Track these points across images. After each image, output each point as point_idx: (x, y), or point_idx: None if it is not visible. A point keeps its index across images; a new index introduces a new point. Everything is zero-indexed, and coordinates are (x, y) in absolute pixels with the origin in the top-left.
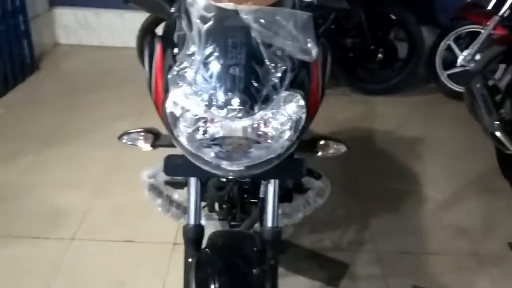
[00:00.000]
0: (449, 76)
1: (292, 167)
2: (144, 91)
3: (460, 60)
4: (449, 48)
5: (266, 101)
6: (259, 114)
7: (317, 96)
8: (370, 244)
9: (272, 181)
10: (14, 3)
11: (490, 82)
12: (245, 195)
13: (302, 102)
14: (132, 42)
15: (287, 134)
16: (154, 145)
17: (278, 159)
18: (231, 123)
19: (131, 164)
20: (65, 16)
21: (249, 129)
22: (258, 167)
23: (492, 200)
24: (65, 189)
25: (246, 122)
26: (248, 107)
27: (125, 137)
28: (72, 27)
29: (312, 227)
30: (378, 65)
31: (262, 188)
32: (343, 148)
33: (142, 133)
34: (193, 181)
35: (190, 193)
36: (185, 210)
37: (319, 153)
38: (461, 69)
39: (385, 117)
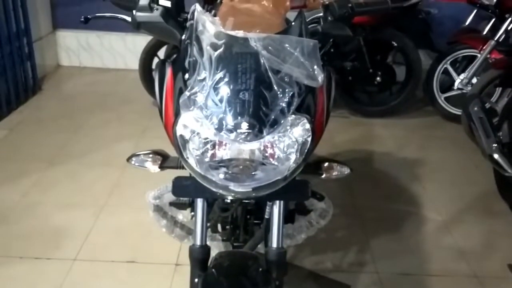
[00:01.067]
0: (446, 99)
1: (297, 188)
2: (145, 111)
3: (457, 83)
4: (446, 71)
5: (274, 124)
6: (267, 137)
7: (322, 119)
8: (371, 266)
9: (278, 202)
10: (18, 26)
11: (487, 105)
12: (249, 216)
13: (308, 126)
14: (133, 64)
15: (293, 156)
16: (162, 167)
17: (284, 181)
18: (239, 145)
19: (133, 184)
20: (67, 38)
21: (257, 152)
22: (265, 188)
23: (491, 222)
24: (67, 209)
25: (254, 145)
26: (257, 131)
27: (134, 159)
28: (74, 49)
29: (314, 248)
30: (376, 88)
31: (267, 209)
32: (346, 171)
33: (151, 155)
34: (200, 202)
35: (197, 214)
36: (189, 231)
37: (324, 175)
38: (458, 92)
39: (384, 139)
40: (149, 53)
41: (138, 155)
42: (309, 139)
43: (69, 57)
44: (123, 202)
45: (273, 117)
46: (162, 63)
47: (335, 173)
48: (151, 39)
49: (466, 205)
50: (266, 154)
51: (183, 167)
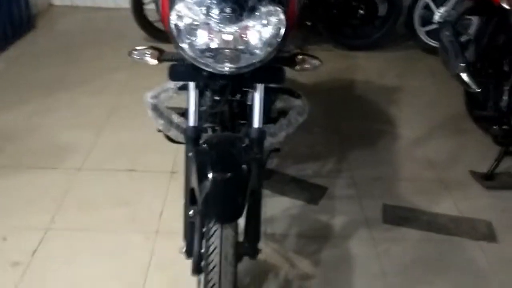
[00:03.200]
0: (427, 33)
1: (274, 73)
2: (138, 45)
3: (436, 17)
4: (427, 6)
5: (253, 10)
6: (246, 22)
7: (294, 13)
8: (347, 173)
9: (258, 87)
10: None
11: (464, 38)
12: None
13: (282, 16)
14: (124, 2)
15: (269, 42)
16: (160, 60)
17: (261, 62)
18: (223, 35)
19: (129, 108)
20: None
21: (238, 39)
22: (246, 67)
23: (458, 138)
24: (69, 130)
25: (236, 32)
26: (238, 14)
27: (135, 52)
28: None
29: (295, 158)
30: (359, 21)
31: (249, 96)
32: (317, 63)
33: (149, 50)
34: (192, 86)
35: (190, 97)
36: (183, 131)
37: (297, 67)
38: (437, 26)
39: (366, 69)
40: None
41: (138, 50)
42: (283, 28)
43: None
44: (121, 122)
45: (251, 3)
46: None
47: (307, 65)
48: None
49: (438, 124)
50: (246, 39)
51: (178, 60)
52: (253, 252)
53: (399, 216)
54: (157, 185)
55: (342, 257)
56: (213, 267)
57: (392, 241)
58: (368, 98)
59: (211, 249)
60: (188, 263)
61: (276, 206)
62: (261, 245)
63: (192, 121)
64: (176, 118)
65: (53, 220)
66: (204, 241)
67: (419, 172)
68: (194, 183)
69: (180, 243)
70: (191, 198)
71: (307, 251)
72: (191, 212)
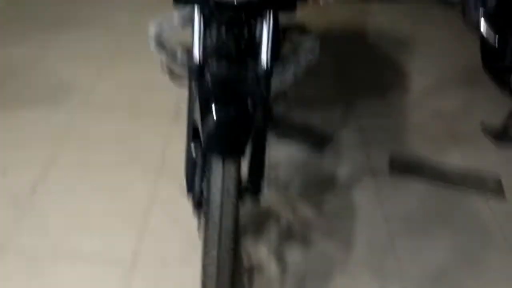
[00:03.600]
0: None
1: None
2: None
3: None
4: None
5: None
6: None
7: None
8: (354, 120)
9: (268, 15)
10: None
11: None
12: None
13: None
14: None
15: None
16: None
17: None
18: None
19: (133, 47)
20: None
21: None
22: None
23: (471, 91)
24: (71, 67)
25: None
26: None
27: None
28: None
29: (302, 105)
30: None
31: (258, 26)
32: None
33: None
34: (197, 10)
35: (194, 25)
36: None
37: (310, 0)
38: None
39: (379, 18)
40: None
41: None
42: None
43: None
44: (124, 62)
45: None
46: None
47: (320, 0)
48: None
49: (451, 76)
50: None
51: None
52: (256, 189)
53: (405, 166)
54: (160, 126)
55: (345, 204)
56: (214, 203)
57: (397, 190)
58: (379, 47)
59: (212, 184)
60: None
61: (280, 152)
62: (264, 189)
63: (196, 51)
64: (180, 54)
65: (54, 156)
66: (205, 178)
67: (428, 122)
68: (196, 116)
69: (182, 181)
70: (193, 134)
71: (310, 198)
72: (192, 148)
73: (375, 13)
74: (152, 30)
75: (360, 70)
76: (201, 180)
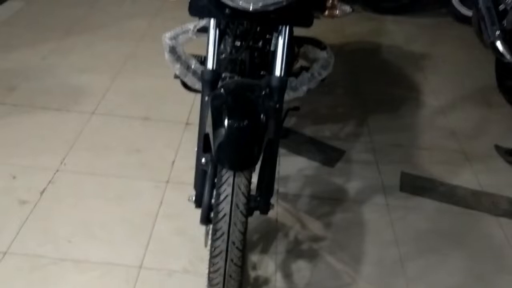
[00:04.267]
0: (461, 0)
1: (302, 15)
2: None
3: None
4: None
5: None
6: None
7: None
8: (367, 137)
9: (283, 31)
10: None
11: (501, 6)
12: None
13: None
14: None
15: None
16: None
17: (288, 0)
18: None
19: (147, 56)
20: None
21: None
22: (273, 5)
23: (485, 111)
24: (84, 72)
25: None
26: None
27: None
28: None
29: (314, 119)
30: None
31: (273, 41)
32: (349, 9)
33: None
34: (213, 24)
35: (209, 37)
36: (199, 78)
37: (326, 12)
38: None
39: (393, 34)
40: None
41: None
42: None
43: None
44: (138, 70)
45: None
46: None
47: (337, 11)
48: None
49: (465, 95)
50: None
51: None
52: (265, 206)
53: (417, 185)
54: (170, 135)
55: (354, 221)
56: (223, 216)
57: (408, 209)
58: (393, 63)
59: (222, 197)
60: (197, 213)
61: (291, 166)
62: (273, 203)
63: (210, 63)
64: (194, 64)
65: (64, 161)
66: (215, 190)
67: (441, 141)
68: (208, 128)
69: (190, 193)
70: (204, 145)
71: (319, 213)
72: (203, 160)
73: (390, 29)
74: (166, 42)
75: (374, 87)
76: (211, 193)
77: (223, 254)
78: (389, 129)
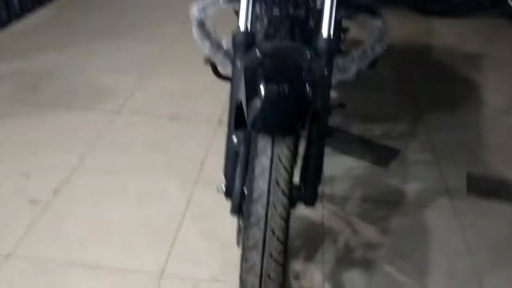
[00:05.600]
0: None
1: None
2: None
3: None
4: None
5: None
6: None
7: None
8: (423, 136)
9: None
10: None
11: None
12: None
13: None
14: None
15: None
16: None
17: None
18: None
19: (178, 58)
20: None
21: None
22: None
23: None
24: (112, 74)
25: None
26: None
27: None
28: None
29: (362, 118)
30: None
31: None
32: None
33: None
34: None
35: None
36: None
37: None
38: None
39: (444, 35)
40: None
41: None
42: None
43: None
44: (167, 71)
45: None
46: None
47: None
48: None
49: None
50: None
51: None
52: (311, 196)
53: (486, 187)
54: (201, 134)
55: (416, 227)
56: (259, 196)
57: (479, 214)
58: (447, 63)
59: (257, 171)
60: (227, 212)
61: (337, 166)
62: (318, 206)
63: (243, 23)
64: (226, 43)
65: (82, 160)
66: (248, 174)
67: (508, 141)
68: (242, 97)
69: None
70: (236, 120)
71: (373, 217)
72: (235, 139)
73: (440, 31)
74: (194, 14)
75: (428, 85)
76: (244, 178)
77: (259, 245)
78: (449, 127)
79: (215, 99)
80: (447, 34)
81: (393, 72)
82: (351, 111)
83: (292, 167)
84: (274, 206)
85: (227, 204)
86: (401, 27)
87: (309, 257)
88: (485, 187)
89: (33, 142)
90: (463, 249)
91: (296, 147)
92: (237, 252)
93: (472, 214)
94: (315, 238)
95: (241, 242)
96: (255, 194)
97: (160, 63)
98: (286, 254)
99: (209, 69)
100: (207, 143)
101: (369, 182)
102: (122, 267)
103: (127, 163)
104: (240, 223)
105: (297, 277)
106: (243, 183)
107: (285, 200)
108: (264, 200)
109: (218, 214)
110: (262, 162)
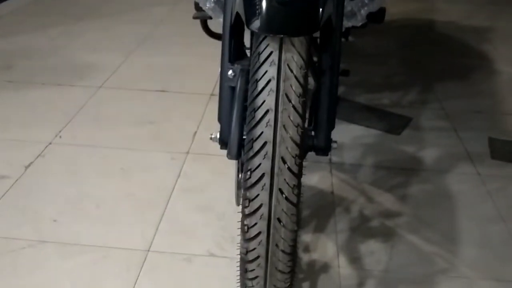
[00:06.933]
0: None
1: None
2: None
3: None
4: None
5: None
6: None
7: None
8: (436, 103)
9: None
10: None
11: None
12: None
13: None
14: None
15: None
16: None
17: None
18: None
19: (164, 37)
20: None
21: None
22: None
23: None
24: (95, 52)
25: None
26: None
27: None
28: None
29: (368, 88)
30: None
31: None
32: None
33: None
34: None
35: None
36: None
37: None
38: None
39: (446, 12)
40: None
41: None
42: None
43: None
44: (153, 49)
45: None
46: None
47: None
48: None
49: None
50: None
51: None
52: (324, 143)
53: (511, 151)
54: (192, 106)
55: (439, 194)
56: (265, 113)
57: (507, 179)
58: (453, 36)
59: (260, 84)
60: (228, 184)
61: (344, 134)
62: (326, 174)
63: None
64: None
65: (59, 134)
66: (249, 110)
67: None
68: (239, 7)
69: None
70: (231, 53)
71: (389, 185)
72: (230, 72)
73: (441, 8)
74: None
75: (435, 57)
76: (242, 119)
77: (265, 208)
78: (463, 95)
79: (204, 74)
80: (449, 10)
81: (398, 45)
82: (355, 81)
83: (306, 78)
84: (283, 139)
85: (223, 175)
86: (398, 6)
87: (320, 228)
88: (510, 152)
89: (5, 118)
90: (495, 215)
91: (309, 57)
92: (235, 226)
93: (499, 179)
94: (325, 207)
95: (240, 200)
96: (259, 112)
97: (147, 42)
98: (298, 223)
99: (198, 47)
100: (198, 116)
101: (381, 150)
102: (101, 244)
103: (110, 136)
104: (241, 178)
105: (306, 250)
106: (242, 124)
107: (294, 156)
108: (272, 116)
109: (212, 187)
110: (266, 74)
